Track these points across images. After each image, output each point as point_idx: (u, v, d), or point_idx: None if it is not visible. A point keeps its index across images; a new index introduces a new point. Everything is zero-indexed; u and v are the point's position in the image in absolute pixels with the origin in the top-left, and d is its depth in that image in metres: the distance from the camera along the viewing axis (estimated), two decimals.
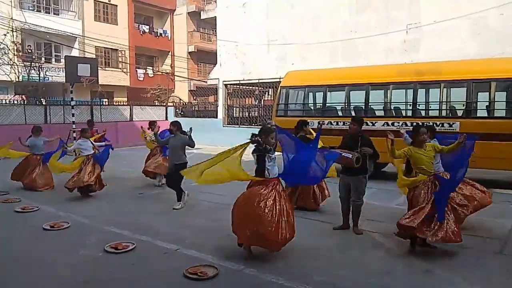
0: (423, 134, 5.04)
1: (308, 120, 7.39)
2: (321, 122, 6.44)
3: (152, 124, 9.35)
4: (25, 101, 16.92)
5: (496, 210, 6.71)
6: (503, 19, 11.51)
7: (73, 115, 15.35)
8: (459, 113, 9.03)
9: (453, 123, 8.52)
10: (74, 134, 14.65)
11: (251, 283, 4.01)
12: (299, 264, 4.43)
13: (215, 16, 20.65)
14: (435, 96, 9.17)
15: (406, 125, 8.75)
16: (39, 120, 15.01)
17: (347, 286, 3.94)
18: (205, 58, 32.66)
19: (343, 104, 10.32)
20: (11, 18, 21.27)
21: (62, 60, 19.89)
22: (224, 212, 6.07)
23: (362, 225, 5.65)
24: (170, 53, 31.39)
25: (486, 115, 8.53)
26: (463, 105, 8.90)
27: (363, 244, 5.11)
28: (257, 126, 16.60)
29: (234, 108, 18.66)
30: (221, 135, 16.35)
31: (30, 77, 20.69)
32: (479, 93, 8.80)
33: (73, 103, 15.53)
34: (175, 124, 7.19)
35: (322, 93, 10.56)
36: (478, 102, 8.74)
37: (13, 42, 20.89)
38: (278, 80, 13.83)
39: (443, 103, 9.03)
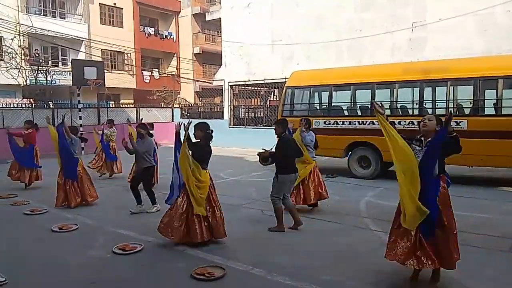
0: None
1: (312, 120, 7.32)
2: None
3: (110, 122, 10.64)
4: (33, 105, 17.12)
5: (504, 208, 6.68)
6: (510, 15, 11.40)
7: (80, 118, 15.48)
8: (466, 111, 8.96)
9: (460, 121, 8.45)
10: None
11: (258, 283, 4.01)
12: (306, 264, 4.42)
13: (220, 17, 20.71)
14: (441, 94, 9.10)
15: (413, 123, 8.70)
16: (46, 123, 15.09)
17: (355, 286, 3.93)
18: (210, 59, 32.76)
19: (349, 103, 10.29)
20: (18, 23, 21.49)
21: (69, 64, 20.02)
22: (231, 213, 6.10)
23: (369, 224, 5.62)
24: (175, 55, 31.53)
25: (493, 112, 8.46)
26: (470, 103, 8.84)
27: (371, 243, 5.09)
28: (263, 127, 16.63)
29: (240, 109, 18.70)
30: (227, 136, 16.37)
31: (38, 81, 20.92)
32: (486, 90, 8.71)
33: (80, 106, 15.68)
34: (144, 128, 6.88)
35: (328, 92, 10.53)
36: (485, 100, 8.66)
37: (20, 46, 21.13)
38: (283, 80, 13.83)
39: (450, 101, 8.96)
